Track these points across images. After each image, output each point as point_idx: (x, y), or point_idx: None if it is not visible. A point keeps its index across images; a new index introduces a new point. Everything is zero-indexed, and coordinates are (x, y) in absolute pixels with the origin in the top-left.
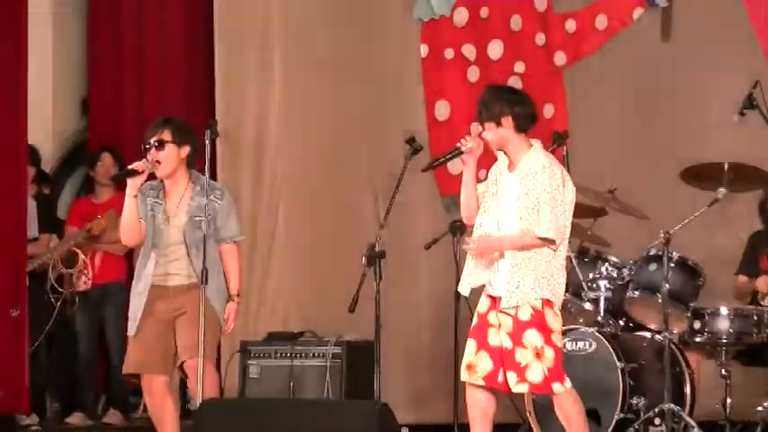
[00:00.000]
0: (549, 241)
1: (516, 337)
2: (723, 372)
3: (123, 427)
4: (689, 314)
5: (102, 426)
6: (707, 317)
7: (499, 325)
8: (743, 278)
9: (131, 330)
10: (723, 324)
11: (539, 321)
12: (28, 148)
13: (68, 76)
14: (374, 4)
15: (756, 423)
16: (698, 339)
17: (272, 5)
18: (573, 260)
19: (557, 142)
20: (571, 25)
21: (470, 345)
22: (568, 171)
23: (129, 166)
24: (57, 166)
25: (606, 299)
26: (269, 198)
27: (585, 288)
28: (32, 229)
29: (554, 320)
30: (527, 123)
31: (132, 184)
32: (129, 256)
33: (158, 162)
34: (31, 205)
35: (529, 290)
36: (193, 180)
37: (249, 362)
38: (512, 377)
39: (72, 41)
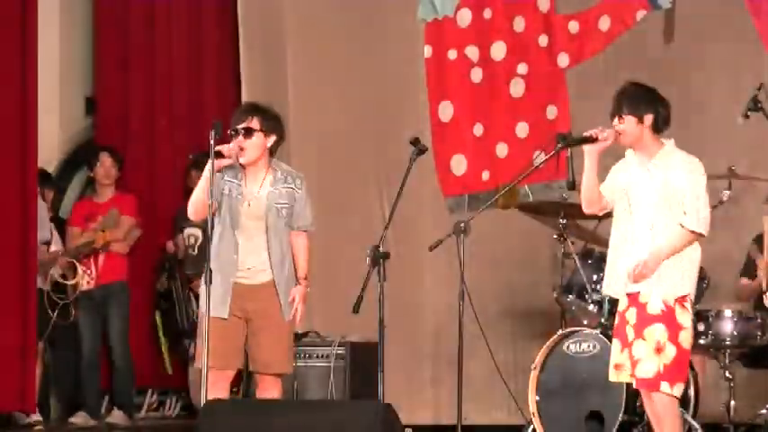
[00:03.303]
0: (698, 234)
1: (639, 329)
2: (727, 374)
3: (126, 427)
4: (693, 316)
5: (105, 426)
6: (711, 319)
7: None
8: (745, 280)
9: (222, 313)
10: (727, 326)
11: (668, 318)
12: (37, 149)
13: (74, 75)
14: (378, 6)
15: (760, 426)
16: (702, 342)
17: (287, 7)
18: (577, 261)
19: (560, 144)
20: (574, 26)
21: (615, 345)
22: (572, 172)
23: (216, 148)
24: (61, 165)
25: (610, 300)
26: None
27: (589, 290)
28: (45, 232)
29: (684, 317)
30: (664, 125)
31: (215, 163)
32: (132, 255)
33: (243, 149)
34: (43, 208)
35: (669, 286)
36: (274, 167)
37: None
38: (618, 361)
39: (78, 40)
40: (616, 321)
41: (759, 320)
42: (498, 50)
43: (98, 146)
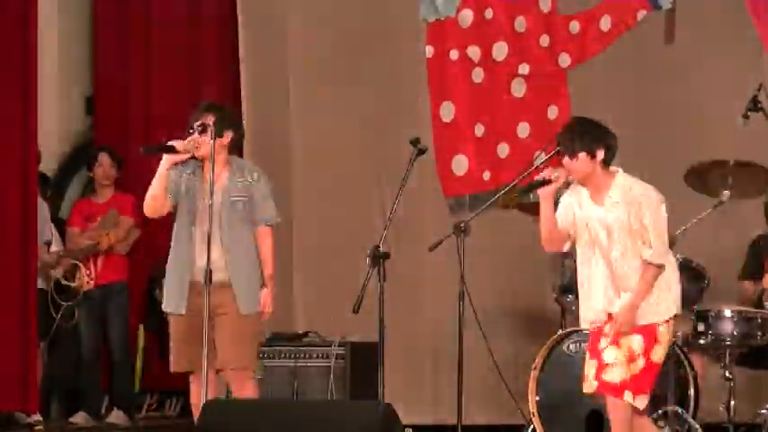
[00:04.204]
0: (659, 266)
1: (616, 337)
2: (727, 374)
3: (127, 427)
4: (693, 316)
5: (105, 426)
6: (711, 319)
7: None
8: (747, 283)
9: (169, 308)
10: (727, 326)
11: (648, 331)
12: (38, 151)
13: (73, 76)
14: (380, 6)
15: (760, 425)
16: (702, 342)
17: (287, 8)
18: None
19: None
20: (575, 27)
21: (586, 357)
22: None
23: (168, 142)
24: (61, 166)
25: None
26: (276, 199)
27: None
28: (46, 232)
29: (664, 333)
30: (612, 158)
31: (167, 158)
32: (131, 255)
33: (198, 146)
34: (44, 208)
35: (652, 314)
36: (231, 162)
37: None
38: (590, 374)
39: (77, 40)
40: (590, 338)
41: (759, 320)
42: (500, 50)
43: (97, 146)
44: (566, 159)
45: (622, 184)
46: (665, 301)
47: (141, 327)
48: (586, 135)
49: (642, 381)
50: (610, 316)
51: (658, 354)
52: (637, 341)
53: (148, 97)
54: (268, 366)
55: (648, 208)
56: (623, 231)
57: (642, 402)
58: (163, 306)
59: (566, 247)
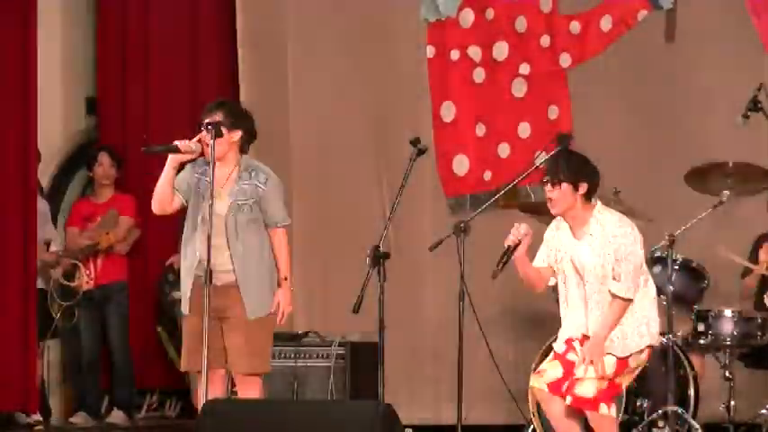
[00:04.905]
0: (628, 300)
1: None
2: (727, 374)
3: (126, 427)
4: (693, 316)
5: (105, 426)
6: (711, 319)
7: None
8: (748, 280)
9: (185, 310)
10: (727, 326)
11: (622, 359)
12: (38, 152)
13: (75, 76)
14: (381, 6)
15: (760, 425)
16: (702, 342)
17: (287, 7)
18: None
19: (561, 144)
20: (576, 27)
21: (549, 358)
22: None
23: (174, 143)
24: (61, 166)
25: None
26: None
27: None
28: (48, 231)
29: (633, 361)
30: (594, 193)
31: (172, 158)
32: (131, 255)
33: (207, 144)
34: (44, 207)
35: (632, 344)
36: (241, 164)
37: None
38: (550, 375)
39: (79, 40)
40: (563, 349)
41: (759, 320)
42: (500, 51)
43: (98, 145)
44: (548, 188)
45: (601, 218)
46: (645, 336)
47: (161, 329)
48: (572, 167)
49: (610, 392)
50: (585, 336)
51: (626, 380)
52: (610, 362)
53: (150, 97)
54: None
55: (624, 244)
56: (598, 272)
57: (615, 411)
58: (182, 308)
59: (551, 282)
